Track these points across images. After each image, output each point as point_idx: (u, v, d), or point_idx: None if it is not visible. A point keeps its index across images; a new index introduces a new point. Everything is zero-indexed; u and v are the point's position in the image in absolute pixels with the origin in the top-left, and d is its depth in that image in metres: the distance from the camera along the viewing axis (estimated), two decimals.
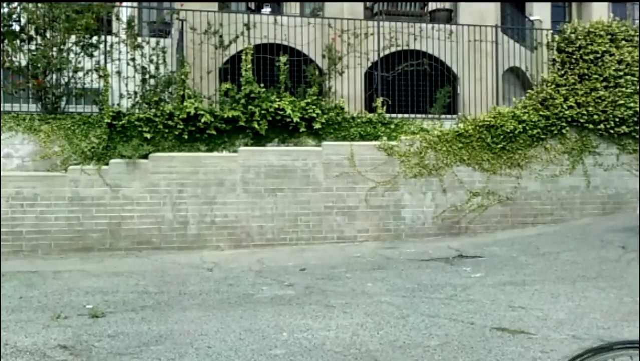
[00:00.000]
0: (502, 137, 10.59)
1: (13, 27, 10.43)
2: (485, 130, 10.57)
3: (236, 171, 9.86)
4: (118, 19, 11.09)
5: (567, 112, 10.78)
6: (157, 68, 10.63)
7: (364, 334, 4.93)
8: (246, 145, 10.52)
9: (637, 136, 11.00)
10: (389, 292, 6.50)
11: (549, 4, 18.03)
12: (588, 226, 10.25)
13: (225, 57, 11.73)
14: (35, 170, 9.79)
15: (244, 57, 10.89)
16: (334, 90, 11.69)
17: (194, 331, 5.02)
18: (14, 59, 10.30)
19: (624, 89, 10.91)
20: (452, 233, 10.34)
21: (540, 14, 17.21)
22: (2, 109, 10.05)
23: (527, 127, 10.66)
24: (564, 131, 10.83)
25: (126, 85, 10.46)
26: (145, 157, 9.82)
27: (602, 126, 10.86)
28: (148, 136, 10.10)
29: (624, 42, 11.06)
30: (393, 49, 12.57)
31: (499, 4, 15.07)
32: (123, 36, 10.65)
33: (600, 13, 15.78)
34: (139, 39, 10.72)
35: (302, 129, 10.74)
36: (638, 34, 11.17)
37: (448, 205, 10.42)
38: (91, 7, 10.52)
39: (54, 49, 10.26)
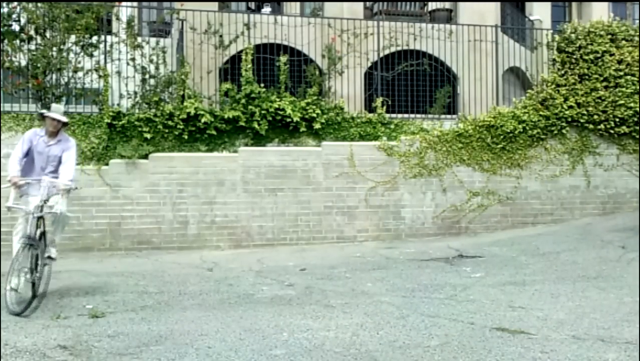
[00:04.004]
0: (502, 137, 10.59)
1: (13, 27, 10.43)
2: (485, 130, 10.58)
3: (236, 171, 9.86)
4: (118, 19, 11.10)
5: (567, 112, 10.78)
6: (157, 68, 10.63)
7: (364, 334, 4.93)
8: (246, 145, 10.52)
9: (637, 136, 11.01)
10: (389, 292, 6.50)
11: (549, 4, 18.03)
12: (588, 226, 10.25)
13: (225, 57, 11.73)
14: None
15: (244, 57, 10.89)
16: (334, 90, 11.70)
17: (194, 331, 5.01)
18: (14, 59, 10.30)
19: (624, 89, 10.91)
20: (452, 233, 10.34)
21: (540, 14, 17.21)
22: (2, 109, 10.05)
23: (527, 127, 10.67)
24: (564, 131, 10.83)
25: (126, 85, 10.46)
26: (145, 157, 9.82)
27: (602, 126, 10.86)
28: (148, 136, 10.11)
29: (624, 42, 11.07)
30: (393, 49, 12.58)
31: (499, 4, 15.08)
32: (123, 36, 10.66)
33: (600, 13, 15.78)
34: (139, 39, 10.73)
35: (302, 129, 10.74)
36: (638, 34, 11.17)
37: (448, 205, 10.42)
38: (91, 7, 10.53)
39: (54, 49, 10.26)
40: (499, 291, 6.47)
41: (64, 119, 6.48)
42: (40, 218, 6.04)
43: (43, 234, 6.13)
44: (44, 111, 6.68)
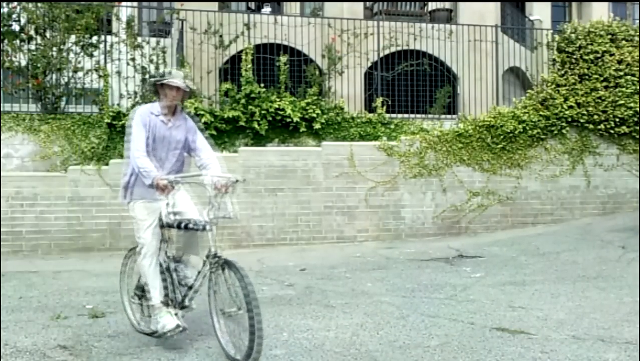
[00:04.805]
0: (502, 137, 10.59)
1: (13, 27, 10.44)
2: (485, 130, 10.57)
3: (236, 171, 9.83)
4: (118, 19, 11.11)
5: (567, 112, 10.78)
6: (157, 68, 10.64)
7: (364, 334, 4.93)
8: (246, 145, 10.52)
9: (637, 136, 11.00)
10: (389, 292, 6.50)
11: (549, 4, 18.04)
12: (588, 226, 10.25)
13: (225, 57, 11.74)
14: (35, 170, 9.79)
15: (244, 57, 10.90)
16: (334, 90, 11.71)
17: (193, 331, 5.01)
18: (14, 59, 10.31)
19: (624, 89, 10.90)
20: (452, 233, 10.34)
21: (540, 14, 17.23)
22: (2, 109, 10.05)
23: (527, 127, 10.66)
24: (564, 131, 10.82)
25: (126, 85, 10.47)
26: None
27: (602, 126, 10.85)
28: None
29: (624, 42, 11.06)
30: (393, 49, 12.58)
31: (499, 4, 15.08)
32: (123, 36, 10.67)
33: (600, 13, 15.79)
34: (139, 39, 10.75)
35: (302, 129, 10.74)
36: (638, 34, 11.16)
37: (448, 205, 10.42)
38: (91, 7, 10.54)
39: (54, 49, 10.27)
40: (499, 291, 6.47)
41: (190, 87, 4.54)
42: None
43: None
44: (157, 78, 4.58)
